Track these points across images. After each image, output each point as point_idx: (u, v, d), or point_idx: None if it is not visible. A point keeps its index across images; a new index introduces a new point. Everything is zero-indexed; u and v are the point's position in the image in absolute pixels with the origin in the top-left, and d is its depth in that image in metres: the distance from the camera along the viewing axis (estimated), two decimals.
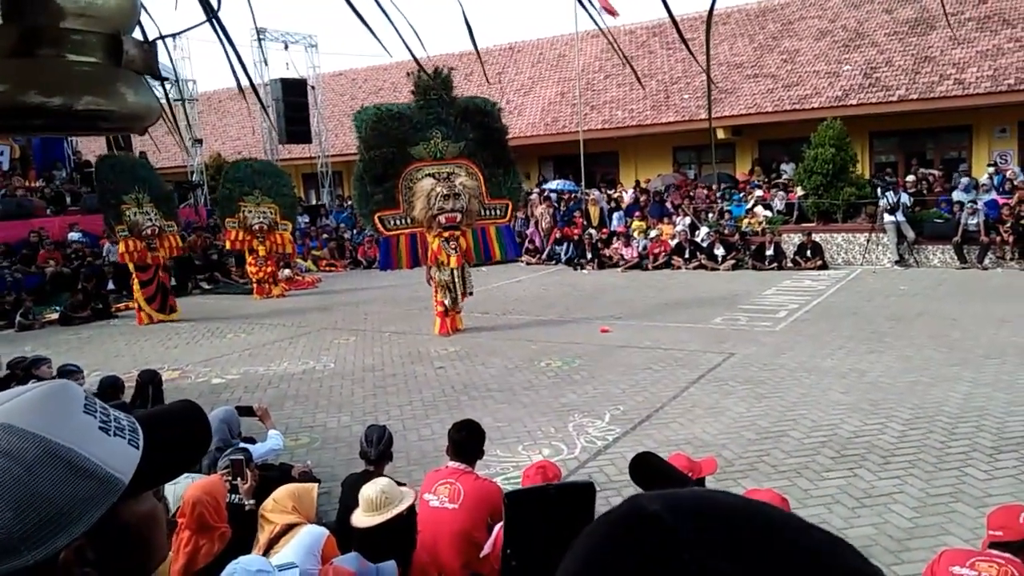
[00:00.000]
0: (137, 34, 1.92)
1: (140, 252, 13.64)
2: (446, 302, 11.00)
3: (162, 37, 2.02)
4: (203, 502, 3.55)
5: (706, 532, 0.50)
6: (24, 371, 7.23)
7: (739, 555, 0.48)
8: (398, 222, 10.73)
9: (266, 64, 23.39)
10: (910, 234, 15.67)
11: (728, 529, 0.50)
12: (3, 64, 1.64)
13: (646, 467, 1.08)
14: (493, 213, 11.38)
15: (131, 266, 13.71)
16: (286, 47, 24.28)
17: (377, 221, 10.66)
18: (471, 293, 11.41)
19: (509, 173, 11.72)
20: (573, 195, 21.13)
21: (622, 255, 17.81)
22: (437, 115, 10.79)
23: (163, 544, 0.97)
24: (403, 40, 2.01)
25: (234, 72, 1.97)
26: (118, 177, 13.80)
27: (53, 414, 0.83)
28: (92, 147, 27.78)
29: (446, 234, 10.79)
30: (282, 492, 3.63)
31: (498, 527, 3.71)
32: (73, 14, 1.67)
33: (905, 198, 15.96)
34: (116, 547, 0.86)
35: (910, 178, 17.20)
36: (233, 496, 4.14)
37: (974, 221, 15.09)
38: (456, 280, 10.95)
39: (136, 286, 13.81)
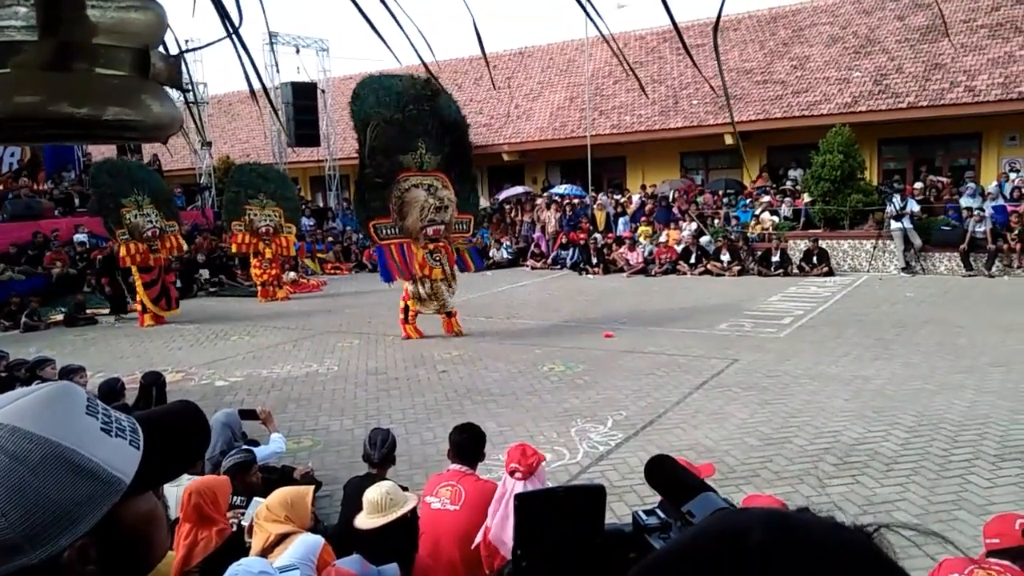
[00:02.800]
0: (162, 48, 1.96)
1: (143, 254, 13.66)
2: (419, 308, 11.14)
3: (186, 51, 2.07)
4: (200, 492, 3.57)
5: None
6: (29, 372, 7.27)
7: None
8: (388, 231, 10.75)
9: (277, 69, 23.49)
10: (917, 241, 15.61)
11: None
12: (38, 77, 1.72)
13: (662, 470, 1.09)
14: (461, 227, 11.56)
15: (134, 269, 13.72)
16: (297, 51, 24.41)
17: (372, 229, 10.69)
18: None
19: (473, 190, 12.12)
20: (580, 200, 21.14)
21: (627, 260, 17.79)
22: (425, 125, 10.82)
23: (163, 541, 0.99)
24: (413, 46, 2.02)
25: (248, 80, 2.01)
26: (115, 181, 13.87)
27: (56, 416, 0.85)
28: (102, 149, 27.89)
29: (431, 246, 10.95)
30: (275, 500, 3.60)
31: (488, 521, 3.73)
32: (105, 30, 1.75)
33: (913, 205, 15.91)
34: (118, 545, 0.88)
35: (918, 185, 17.14)
36: (236, 498, 4.15)
37: (981, 228, 15.04)
38: (443, 289, 11.13)
39: (140, 287, 13.83)
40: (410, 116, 10.68)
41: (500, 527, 3.49)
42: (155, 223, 13.87)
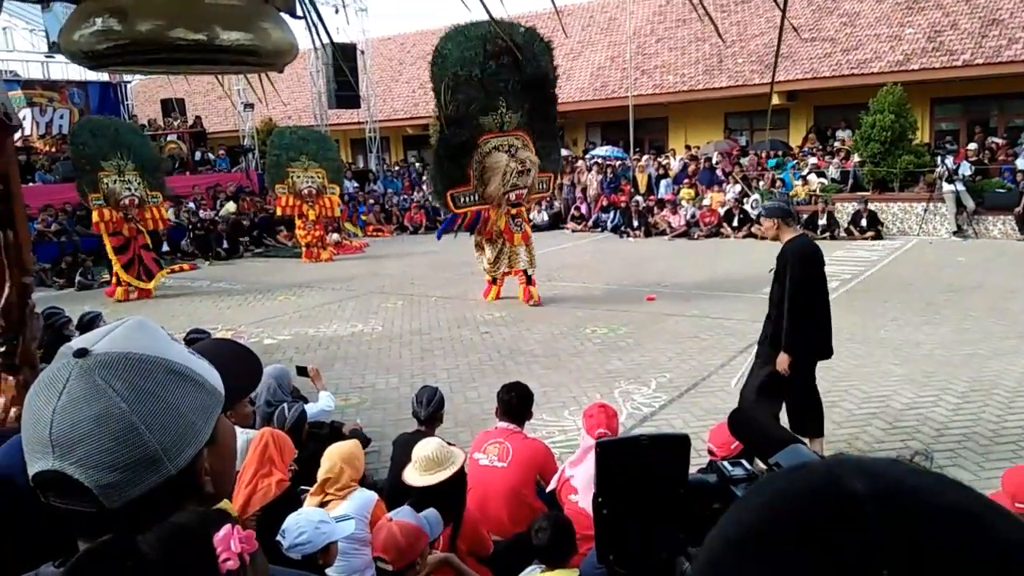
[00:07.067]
0: None
1: (116, 222, 12.87)
2: (491, 270, 10.95)
3: None
4: (274, 436, 3.70)
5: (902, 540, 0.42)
6: (82, 330, 7.43)
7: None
8: (467, 199, 10.37)
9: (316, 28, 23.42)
10: (969, 204, 15.17)
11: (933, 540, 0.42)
12: (158, 2, 1.71)
13: (747, 421, 1.09)
14: (541, 187, 11.19)
15: (105, 236, 12.92)
16: (336, 11, 24.27)
17: (449, 199, 10.28)
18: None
19: (555, 146, 11.55)
20: (621, 162, 20.89)
21: (669, 223, 17.60)
22: (506, 83, 10.24)
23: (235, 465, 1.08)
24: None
25: (316, 32, 2.01)
26: (97, 141, 12.82)
27: (156, 340, 0.91)
28: (147, 111, 28.33)
29: (513, 211, 10.62)
30: (333, 453, 3.71)
31: (561, 470, 3.92)
32: None
33: (965, 167, 15.43)
34: (219, 457, 0.95)
35: (971, 146, 16.60)
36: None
37: None
38: (521, 253, 10.80)
39: (111, 254, 12.92)
40: (490, 73, 10.05)
41: (587, 490, 3.56)
42: (135, 192, 12.95)
